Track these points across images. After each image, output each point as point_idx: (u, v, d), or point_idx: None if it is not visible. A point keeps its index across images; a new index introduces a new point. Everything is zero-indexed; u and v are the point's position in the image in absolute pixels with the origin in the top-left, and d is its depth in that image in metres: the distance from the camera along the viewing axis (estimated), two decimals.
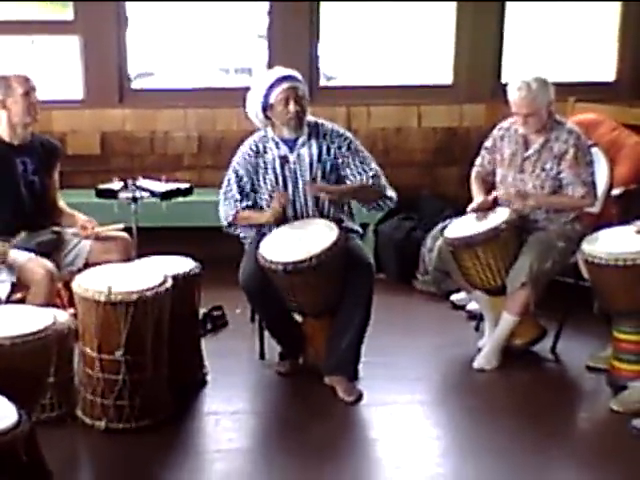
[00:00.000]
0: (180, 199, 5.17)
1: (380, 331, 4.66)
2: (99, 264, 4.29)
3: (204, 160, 6.30)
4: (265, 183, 4.51)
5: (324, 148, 4.50)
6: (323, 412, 4.24)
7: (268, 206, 4.50)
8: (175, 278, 4.15)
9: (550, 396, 4.45)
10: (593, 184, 4.70)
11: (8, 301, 4.25)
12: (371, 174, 4.50)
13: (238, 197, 4.52)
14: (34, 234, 4.54)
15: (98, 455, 3.91)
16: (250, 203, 4.53)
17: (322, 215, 4.52)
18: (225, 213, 4.58)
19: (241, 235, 4.64)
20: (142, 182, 5.11)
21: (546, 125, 4.67)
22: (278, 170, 4.49)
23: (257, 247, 4.35)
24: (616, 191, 5.19)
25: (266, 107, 4.42)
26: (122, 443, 3.91)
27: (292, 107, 4.38)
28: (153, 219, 5.20)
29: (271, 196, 4.49)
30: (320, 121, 4.57)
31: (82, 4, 6.04)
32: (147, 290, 3.91)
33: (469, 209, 4.76)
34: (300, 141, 4.49)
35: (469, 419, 4.26)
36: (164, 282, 4.01)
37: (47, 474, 3.38)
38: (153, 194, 5.04)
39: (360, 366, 4.43)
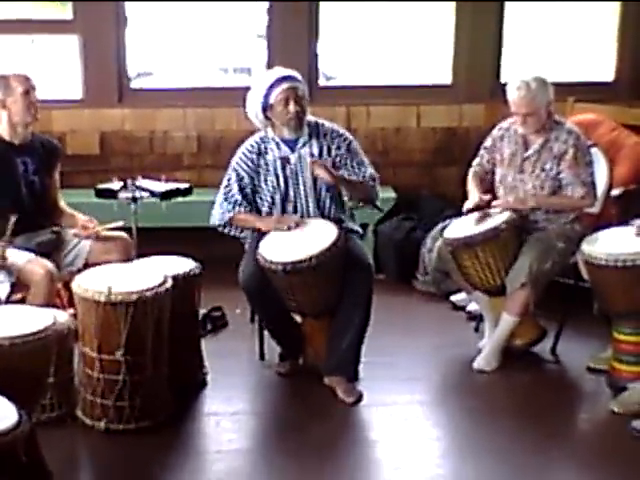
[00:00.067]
0: (180, 199, 5.17)
1: (380, 331, 4.65)
2: (99, 264, 4.28)
3: (203, 160, 6.30)
4: (266, 184, 4.51)
5: (324, 148, 4.50)
6: (323, 413, 4.24)
7: (269, 208, 4.51)
8: (175, 278, 4.14)
9: (550, 397, 4.45)
10: (593, 184, 4.70)
11: (8, 301, 4.24)
12: (367, 176, 4.51)
13: (239, 198, 4.52)
14: (34, 234, 4.53)
15: (98, 456, 3.91)
16: (249, 208, 4.53)
17: (323, 215, 4.52)
18: (222, 214, 4.56)
19: (241, 235, 4.64)
20: (142, 182, 5.11)
21: (545, 125, 4.67)
22: (279, 171, 4.49)
23: (257, 247, 4.35)
24: (615, 191, 5.19)
25: (266, 107, 4.42)
26: (122, 444, 3.90)
27: (292, 107, 4.38)
28: (153, 219, 5.20)
29: (272, 197, 4.48)
30: (320, 121, 4.57)
31: (81, 3, 6.04)
32: (147, 290, 3.91)
33: (465, 208, 4.75)
34: (301, 141, 4.49)
35: (469, 420, 4.26)
36: (164, 282, 4.01)
37: (47, 474, 3.38)
38: (153, 194, 5.04)
39: (360, 367, 4.43)
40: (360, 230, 4.71)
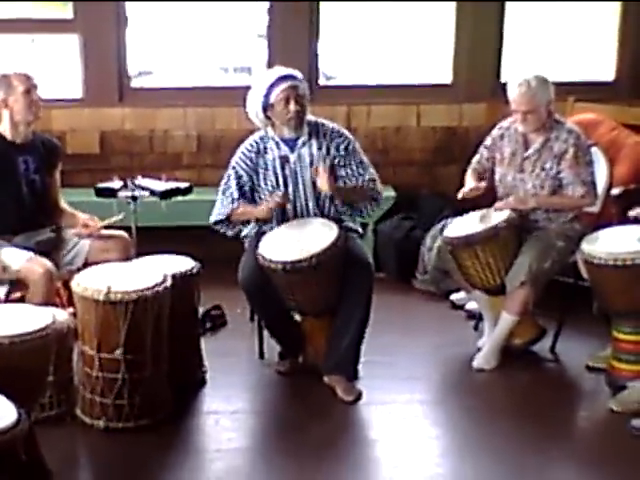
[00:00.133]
0: (179, 198, 5.17)
1: (379, 330, 4.65)
2: (98, 263, 4.28)
3: (203, 159, 6.30)
4: (265, 183, 4.51)
5: (324, 148, 4.50)
6: (322, 411, 4.24)
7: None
8: (174, 277, 4.14)
9: (549, 396, 4.46)
10: (593, 184, 4.70)
11: (7, 300, 4.25)
12: (367, 178, 4.51)
13: (236, 196, 4.52)
14: (34, 233, 4.53)
15: (97, 454, 3.91)
16: (247, 202, 4.53)
17: (322, 214, 4.52)
18: (219, 210, 4.57)
19: (241, 234, 4.64)
20: (141, 181, 5.11)
21: (545, 124, 4.67)
22: (278, 170, 4.49)
23: (256, 246, 4.35)
24: (615, 191, 5.18)
25: (266, 107, 4.42)
26: (121, 442, 3.91)
27: (292, 106, 4.38)
28: (152, 218, 5.20)
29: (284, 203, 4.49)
30: (321, 121, 4.57)
31: (82, 3, 6.03)
32: (146, 289, 3.91)
33: (460, 195, 4.73)
34: (300, 141, 4.49)
35: (468, 419, 4.26)
36: (163, 281, 4.01)
37: (46, 473, 3.39)
38: (153, 193, 5.05)
39: (359, 365, 4.43)
40: (360, 229, 4.71)
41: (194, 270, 4.36)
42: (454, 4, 6.43)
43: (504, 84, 4.82)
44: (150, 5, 6.44)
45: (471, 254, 4.62)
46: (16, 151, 4.54)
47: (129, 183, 5.05)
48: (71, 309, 4.23)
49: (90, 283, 3.93)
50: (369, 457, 3.97)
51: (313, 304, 4.42)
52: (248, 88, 4.55)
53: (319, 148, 4.48)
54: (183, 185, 5.17)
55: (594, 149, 4.97)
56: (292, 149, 4.49)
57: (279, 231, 4.43)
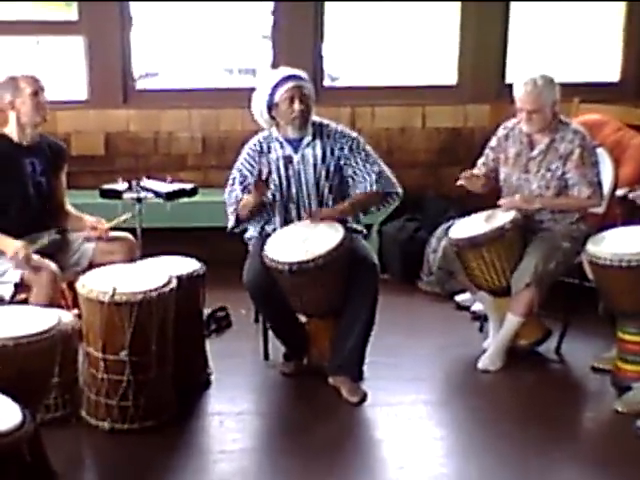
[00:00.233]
0: (184, 200, 5.17)
1: (384, 331, 4.65)
2: (103, 265, 4.28)
3: (208, 160, 6.30)
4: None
5: (328, 149, 4.50)
6: (327, 413, 4.24)
7: (271, 205, 4.52)
8: (179, 279, 4.14)
9: (554, 397, 4.45)
10: (599, 184, 4.69)
11: (12, 302, 4.25)
12: (374, 175, 4.50)
13: (240, 196, 4.52)
14: (39, 235, 4.53)
15: (102, 455, 3.91)
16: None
17: None
18: (229, 216, 4.58)
19: (246, 236, 4.64)
20: (146, 183, 5.11)
21: (550, 125, 4.66)
22: (282, 170, 4.49)
23: (262, 248, 4.35)
24: (620, 192, 5.18)
25: (271, 106, 4.43)
26: (126, 443, 3.91)
27: (297, 106, 4.38)
28: (157, 220, 5.21)
29: (274, 195, 4.49)
30: (325, 122, 4.57)
31: (86, 4, 6.04)
32: (151, 291, 3.91)
33: (460, 180, 4.72)
34: (305, 141, 4.49)
35: (473, 419, 4.26)
36: (168, 283, 4.02)
37: (51, 474, 3.40)
38: (157, 195, 5.05)
39: (364, 367, 4.42)
40: (364, 230, 4.71)
41: (199, 271, 4.36)
42: (458, 5, 6.43)
43: (509, 85, 4.82)
44: (155, 6, 6.45)
45: (476, 255, 4.62)
46: (23, 153, 4.54)
47: (134, 185, 5.06)
48: (76, 311, 4.24)
49: (95, 285, 3.93)
50: (374, 458, 3.96)
51: (318, 305, 4.42)
52: (253, 89, 4.56)
53: (323, 150, 4.48)
54: (188, 186, 5.17)
55: (599, 150, 4.95)
56: (296, 149, 4.49)
57: (285, 232, 4.43)
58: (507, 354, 4.69)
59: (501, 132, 4.88)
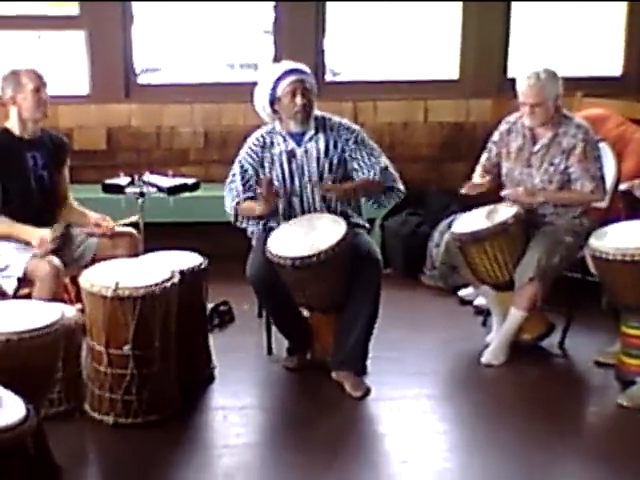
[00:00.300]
0: (187, 194, 5.17)
1: (387, 326, 4.64)
2: (106, 259, 4.28)
3: (210, 155, 6.30)
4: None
5: (331, 142, 4.49)
6: (331, 407, 4.24)
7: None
8: (182, 273, 4.14)
9: (558, 391, 4.45)
10: (602, 179, 4.69)
11: (15, 296, 4.25)
12: (378, 168, 4.49)
13: (240, 189, 4.51)
14: (41, 229, 4.52)
15: (106, 450, 3.91)
16: (251, 194, 4.51)
17: (328, 209, 4.51)
18: (227, 209, 4.57)
19: (248, 230, 4.64)
20: (149, 177, 5.10)
21: (553, 119, 4.66)
22: (285, 164, 4.49)
23: (265, 242, 4.34)
24: (623, 186, 5.17)
25: (273, 100, 4.42)
26: (130, 438, 3.91)
27: (299, 100, 4.37)
28: (160, 214, 5.20)
29: (278, 191, 4.48)
30: (328, 115, 4.56)
31: None
32: (154, 285, 3.91)
33: (463, 189, 4.72)
34: (307, 135, 4.48)
35: (476, 414, 4.25)
36: (171, 277, 4.01)
37: (55, 469, 3.40)
38: (160, 189, 5.04)
39: (368, 361, 4.42)
40: (367, 225, 4.71)
41: (202, 266, 4.36)
42: None
43: (511, 79, 4.82)
44: (156, 1, 6.44)
45: (479, 250, 4.62)
46: (24, 146, 4.53)
47: (136, 179, 5.05)
48: (79, 305, 4.24)
49: (98, 279, 3.93)
50: (378, 452, 3.96)
51: (321, 300, 4.41)
52: (254, 84, 4.55)
53: (326, 143, 4.47)
54: (190, 181, 5.17)
55: (602, 144, 4.96)
56: (299, 143, 4.49)
57: (288, 227, 4.42)
58: (510, 348, 4.69)
59: (503, 126, 4.88)
